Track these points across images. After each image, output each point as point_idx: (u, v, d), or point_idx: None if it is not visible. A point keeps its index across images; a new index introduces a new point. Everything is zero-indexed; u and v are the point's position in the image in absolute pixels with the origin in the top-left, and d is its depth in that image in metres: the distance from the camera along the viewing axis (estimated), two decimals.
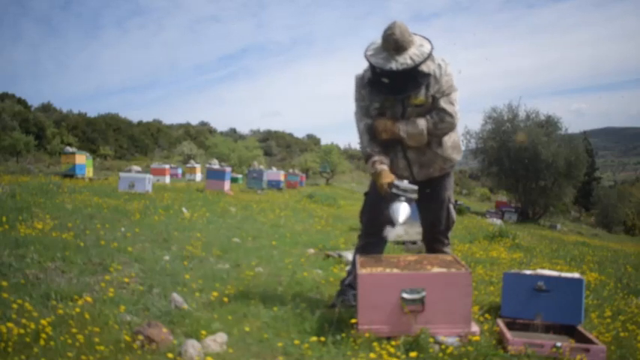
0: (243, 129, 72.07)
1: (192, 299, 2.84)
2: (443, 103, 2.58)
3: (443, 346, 2.20)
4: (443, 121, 2.59)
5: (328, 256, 4.55)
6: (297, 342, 2.24)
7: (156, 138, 46.96)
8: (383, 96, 2.61)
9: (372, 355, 2.06)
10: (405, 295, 2.30)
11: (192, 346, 2.07)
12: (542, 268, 3.37)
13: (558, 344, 2.25)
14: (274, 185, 17.33)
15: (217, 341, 2.19)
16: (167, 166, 16.10)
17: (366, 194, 2.94)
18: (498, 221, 13.86)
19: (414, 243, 5.21)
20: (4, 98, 37.42)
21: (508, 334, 2.35)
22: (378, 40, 2.58)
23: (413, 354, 2.11)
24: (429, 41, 2.58)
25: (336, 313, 2.47)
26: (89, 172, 13.55)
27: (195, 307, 2.71)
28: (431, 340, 2.23)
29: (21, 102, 38.85)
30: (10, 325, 1.99)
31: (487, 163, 26.68)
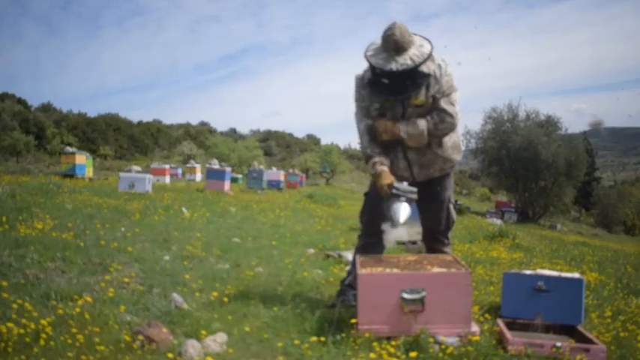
0: (243, 129, 72.16)
1: (192, 299, 2.84)
2: (443, 104, 2.58)
3: (443, 346, 2.20)
4: (443, 122, 2.59)
5: (328, 256, 4.55)
6: (297, 342, 2.24)
7: (156, 138, 46.96)
8: (383, 96, 2.61)
9: (372, 355, 2.06)
10: (405, 295, 2.30)
11: (192, 346, 2.07)
12: (542, 268, 3.37)
13: (558, 344, 2.25)
14: (274, 185, 17.33)
15: (217, 341, 2.19)
16: (167, 166, 16.10)
17: (366, 194, 2.94)
18: (498, 221, 13.86)
19: (414, 243, 5.21)
20: (4, 98, 37.42)
21: (508, 334, 2.35)
22: (378, 41, 2.57)
23: (413, 354, 2.11)
24: (429, 41, 2.58)
25: (336, 313, 2.48)
26: (89, 172, 13.55)
27: (195, 307, 2.71)
28: (431, 340, 2.23)
29: (21, 102, 38.85)
30: (10, 325, 1.99)
31: (487, 163, 26.68)
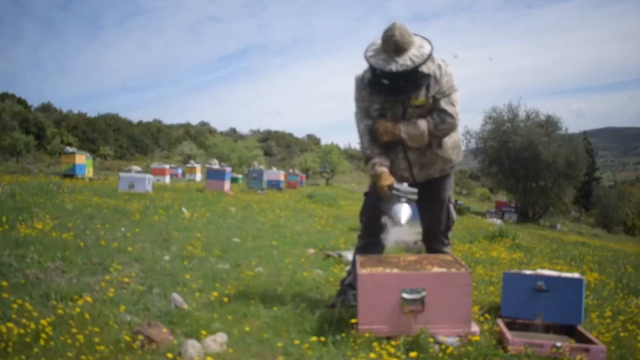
0: (243, 129, 72.13)
1: (192, 299, 2.84)
2: (444, 104, 2.58)
3: (443, 346, 2.20)
4: (444, 122, 2.59)
5: (328, 256, 4.55)
6: (297, 342, 2.24)
7: (156, 138, 46.97)
8: (383, 97, 2.61)
9: (372, 355, 2.06)
10: (405, 295, 2.30)
11: (192, 346, 2.07)
12: (542, 268, 3.37)
13: (558, 344, 2.25)
14: (274, 185, 17.32)
15: (217, 341, 2.19)
16: (167, 166, 16.10)
17: (366, 194, 2.94)
18: (498, 221, 13.86)
19: (414, 243, 5.21)
20: (4, 98, 37.42)
21: (508, 334, 2.35)
22: (378, 41, 2.57)
23: (413, 354, 2.11)
24: (429, 42, 2.58)
25: (336, 313, 2.47)
26: (89, 172, 13.55)
27: (195, 307, 2.71)
28: (431, 340, 2.23)
29: (21, 102, 38.84)
30: (10, 325, 1.99)
31: (487, 163, 26.68)
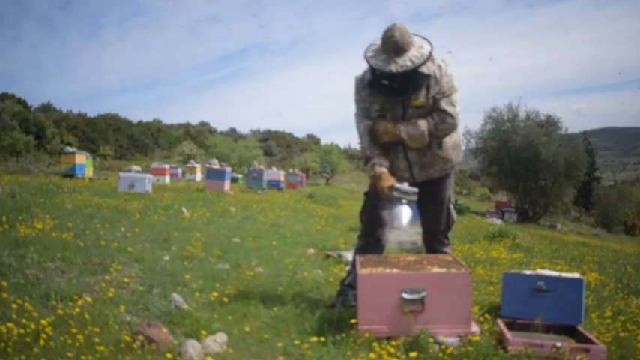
0: (243, 129, 72.13)
1: (192, 299, 2.84)
2: (444, 105, 2.58)
3: (443, 346, 2.20)
4: (444, 123, 2.59)
5: (328, 256, 4.55)
6: (297, 342, 2.24)
7: (156, 138, 46.97)
8: (383, 98, 2.61)
9: (372, 355, 2.06)
10: (405, 295, 2.30)
11: (192, 346, 2.07)
12: (542, 268, 3.37)
13: (558, 344, 2.25)
14: (274, 185, 17.32)
15: (217, 341, 2.19)
16: (167, 166, 16.09)
17: (366, 194, 2.94)
18: (498, 221, 13.86)
19: (414, 243, 5.21)
20: (4, 98, 37.42)
21: (508, 334, 2.35)
22: (378, 41, 2.57)
23: (413, 354, 2.11)
24: (429, 42, 2.58)
25: (336, 313, 2.48)
26: (89, 172, 13.55)
27: (195, 307, 2.71)
28: (431, 340, 2.23)
29: (21, 102, 38.84)
30: (10, 325, 1.99)
31: (487, 163, 26.67)
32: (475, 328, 2.35)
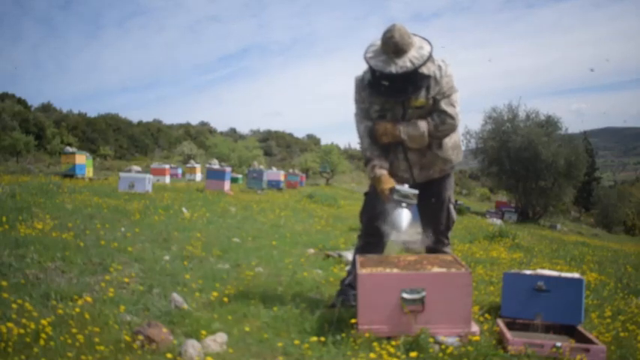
0: (243, 129, 72.09)
1: (192, 299, 2.84)
2: (444, 105, 2.58)
3: (443, 346, 2.20)
4: (444, 123, 2.59)
5: (328, 256, 4.55)
6: (297, 342, 2.24)
7: (156, 138, 46.96)
8: (383, 98, 2.61)
9: (372, 355, 2.06)
10: (405, 295, 2.30)
11: (192, 346, 2.07)
12: (542, 268, 3.37)
13: (558, 344, 2.25)
14: (274, 185, 17.32)
15: (217, 341, 2.19)
16: (167, 166, 16.09)
17: (366, 194, 2.94)
18: (498, 221, 13.86)
19: (414, 243, 5.20)
20: (4, 98, 37.42)
21: (508, 334, 2.35)
22: (378, 42, 2.57)
23: (413, 354, 2.11)
24: (429, 42, 2.58)
25: (336, 313, 2.48)
26: (89, 172, 13.55)
27: (195, 307, 2.71)
28: (431, 340, 2.23)
29: (21, 102, 38.84)
30: (10, 325, 1.99)
31: (487, 163, 26.66)
32: (475, 328, 2.35)
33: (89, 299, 2.51)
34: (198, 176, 19.54)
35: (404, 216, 2.46)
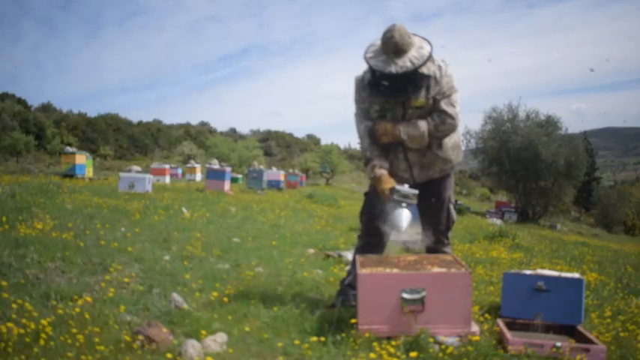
0: (243, 129, 72.08)
1: (192, 299, 2.84)
2: (444, 105, 2.58)
3: (443, 346, 2.20)
4: (444, 123, 2.59)
5: (328, 256, 4.55)
6: (297, 342, 2.24)
7: (156, 138, 46.96)
8: (383, 98, 2.61)
9: (372, 355, 2.06)
10: (405, 295, 2.30)
11: (192, 346, 2.07)
12: (542, 268, 3.37)
13: (558, 344, 2.25)
14: (274, 185, 17.32)
15: (217, 341, 2.19)
16: (167, 166, 16.09)
17: (366, 194, 2.94)
18: (498, 221, 13.86)
19: (414, 243, 5.21)
20: (4, 98, 37.41)
21: (508, 334, 2.35)
22: (378, 42, 2.57)
23: (413, 354, 2.11)
24: (429, 42, 2.58)
25: (336, 313, 2.48)
26: (89, 172, 13.55)
27: (195, 307, 2.71)
28: (431, 340, 2.23)
29: (21, 102, 38.82)
30: (10, 325, 1.99)
31: (487, 163, 26.66)
32: (475, 328, 2.35)
33: (89, 299, 2.51)
34: (198, 176, 19.54)
35: (404, 216, 2.47)
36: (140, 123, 48.45)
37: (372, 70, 2.55)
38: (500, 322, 2.55)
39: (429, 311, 2.30)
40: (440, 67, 2.55)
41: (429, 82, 2.53)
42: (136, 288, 2.93)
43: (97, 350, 1.96)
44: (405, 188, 2.51)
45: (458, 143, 2.78)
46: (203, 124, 59.67)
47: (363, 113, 2.72)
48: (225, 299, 2.80)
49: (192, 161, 22.69)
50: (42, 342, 1.95)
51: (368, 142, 2.70)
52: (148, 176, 10.04)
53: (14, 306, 2.26)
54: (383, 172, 2.62)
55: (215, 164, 13.87)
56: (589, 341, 2.33)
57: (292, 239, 5.54)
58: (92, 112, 56.42)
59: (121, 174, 10.28)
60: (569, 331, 2.53)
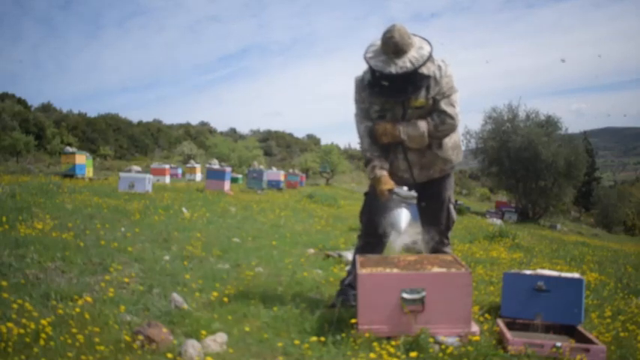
0: (243, 129, 72.06)
1: (192, 299, 2.84)
2: (443, 105, 2.58)
3: (443, 346, 2.20)
4: (444, 123, 2.59)
5: (328, 256, 4.55)
6: (297, 342, 2.24)
7: (156, 138, 46.96)
8: (383, 99, 2.61)
9: (372, 355, 2.06)
10: (405, 295, 2.30)
11: (192, 346, 2.07)
12: (542, 268, 3.37)
13: (558, 344, 2.25)
14: (274, 185, 17.32)
15: (217, 341, 2.19)
16: (167, 166, 16.09)
17: (366, 194, 2.94)
18: (498, 221, 13.86)
19: (414, 243, 5.21)
20: (4, 98, 37.41)
21: (508, 334, 2.35)
22: (378, 42, 2.57)
23: (413, 354, 2.11)
24: (429, 42, 2.58)
25: (336, 313, 2.48)
26: (89, 172, 13.55)
27: (195, 307, 2.71)
28: (431, 340, 2.23)
29: (21, 102, 38.82)
30: (10, 325, 1.99)
31: (487, 163, 26.67)
32: (475, 328, 2.35)
33: (89, 299, 2.51)
34: (198, 176, 19.54)
35: (403, 216, 2.48)
36: (140, 123, 48.46)
37: (371, 71, 2.55)
38: (500, 322, 2.55)
39: (429, 311, 2.30)
40: (440, 67, 2.55)
41: (428, 82, 2.53)
42: (136, 288, 2.93)
43: (97, 350, 1.96)
44: (404, 191, 2.52)
45: (458, 143, 2.78)
46: (203, 124, 59.68)
47: (363, 113, 2.72)
48: (225, 299, 2.80)
49: (192, 161, 22.70)
50: (42, 342, 1.95)
51: (368, 142, 2.70)
52: (148, 176, 10.04)
53: (14, 306, 2.26)
54: (383, 173, 2.62)
55: (215, 164, 13.87)
56: (589, 341, 2.33)
57: (292, 239, 5.54)
58: (92, 112, 56.46)
59: (121, 174, 10.28)
60: (569, 331, 2.53)
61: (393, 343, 2.18)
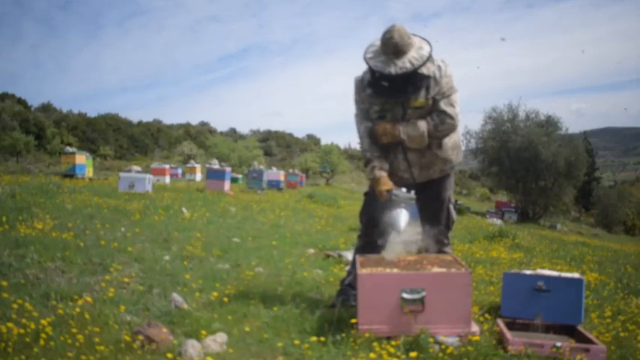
0: (243, 129, 72.03)
1: (192, 299, 2.84)
2: (443, 105, 2.58)
3: (443, 346, 2.20)
4: (444, 123, 2.59)
5: (328, 256, 4.55)
6: (297, 342, 2.24)
7: (156, 138, 46.96)
8: (383, 99, 2.61)
9: (372, 355, 2.06)
10: (405, 295, 2.31)
11: (192, 346, 2.07)
12: (542, 268, 3.37)
13: (558, 344, 2.25)
14: (274, 185, 17.32)
15: (217, 341, 2.19)
16: (167, 166, 16.09)
17: (366, 194, 2.94)
18: (498, 221, 13.86)
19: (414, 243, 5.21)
20: (4, 98, 37.41)
21: (508, 334, 2.35)
22: (377, 42, 2.57)
23: (413, 354, 2.11)
24: (429, 43, 2.58)
25: (336, 313, 2.48)
26: (89, 172, 13.55)
27: (195, 307, 2.71)
28: (431, 340, 2.23)
29: (21, 102, 38.82)
30: (10, 325, 1.99)
31: (487, 163, 26.68)
32: (475, 328, 2.35)
33: (89, 299, 2.51)
34: (198, 176, 19.54)
35: (403, 216, 2.48)
36: (140, 123, 48.45)
37: (371, 71, 2.55)
38: (500, 322, 2.55)
39: (429, 311, 2.30)
40: (439, 68, 2.55)
41: (428, 82, 2.53)
42: (136, 288, 2.93)
43: (97, 350, 1.96)
44: (403, 192, 2.52)
45: (458, 143, 2.78)
46: (203, 124, 59.67)
47: (363, 114, 2.72)
48: (225, 299, 2.80)
49: (192, 161, 22.69)
50: (42, 342, 1.95)
51: (368, 142, 2.70)
52: (148, 176, 10.04)
53: (14, 306, 2.26)
54: (382, 174, 2.62)
55: (215, 164, 13.87)
56: (589, 341, 2.33)
57: (292, 239, 5.54)
58: (92, 112, 56.46)
59: (121, 174, 10.28)
60: (569, 331, 2.53)
61: (393, 343, 2.18)
